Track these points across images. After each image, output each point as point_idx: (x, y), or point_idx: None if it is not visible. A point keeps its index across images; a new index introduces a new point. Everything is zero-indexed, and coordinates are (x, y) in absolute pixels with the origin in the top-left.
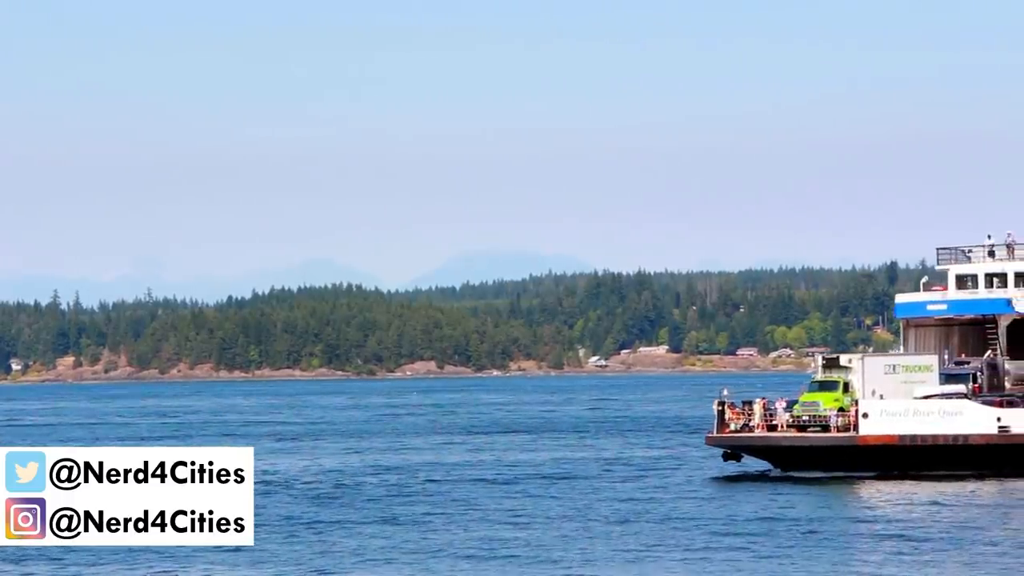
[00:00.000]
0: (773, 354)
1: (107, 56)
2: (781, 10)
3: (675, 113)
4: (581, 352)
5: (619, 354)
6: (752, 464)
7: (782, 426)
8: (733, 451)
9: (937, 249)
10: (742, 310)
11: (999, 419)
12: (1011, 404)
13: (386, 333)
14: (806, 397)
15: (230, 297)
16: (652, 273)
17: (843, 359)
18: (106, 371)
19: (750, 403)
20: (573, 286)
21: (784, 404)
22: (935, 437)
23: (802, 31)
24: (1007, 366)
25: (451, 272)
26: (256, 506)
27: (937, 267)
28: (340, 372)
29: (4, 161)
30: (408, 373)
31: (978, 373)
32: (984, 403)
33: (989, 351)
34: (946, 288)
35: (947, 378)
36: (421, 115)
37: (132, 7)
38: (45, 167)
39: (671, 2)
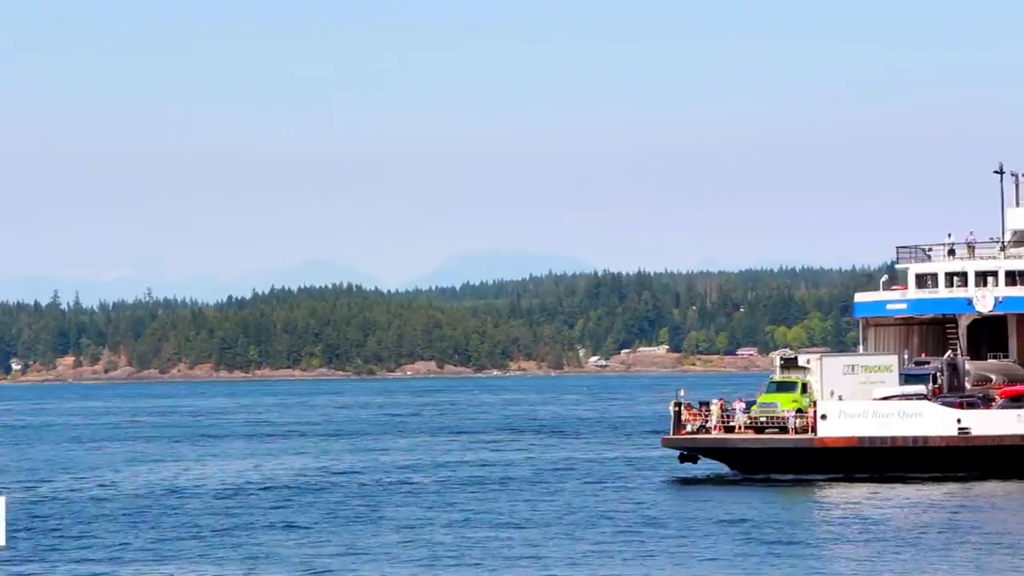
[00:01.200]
0: (773, 354)
1: (107, 57)
2: (781, 10)
3: (675, 113)
4: (581, 352)
5: (619, 354)
6: (710, 466)
7: (739, 427)
8: (689, 453)
9: (897, 248)
10: (742, 310)
11: (959, 421)
12: (971, 405)
13: (386, 333)
14: (764, 398)
15: (230, 297)
16: (652, 273)
17: (801, 359)
18: (106, 371)
19: (707, 404)
20: (573, 286)
21: (742, 405)
22: (894, 439)
23: (802, 30)
24: (967, 366)
25: (451, 272)
26: None
27: (897, 266)
28: (340, 372)
29: (4, 161)
30: (408, 373)
31: (938, 374)
32: (944, 404)
33: (949, 351)
34: (906, 287)
35: (907, 379)
36: (421, 115)
37: (132, 8)
38: (45, 167)
39: (671, 2)
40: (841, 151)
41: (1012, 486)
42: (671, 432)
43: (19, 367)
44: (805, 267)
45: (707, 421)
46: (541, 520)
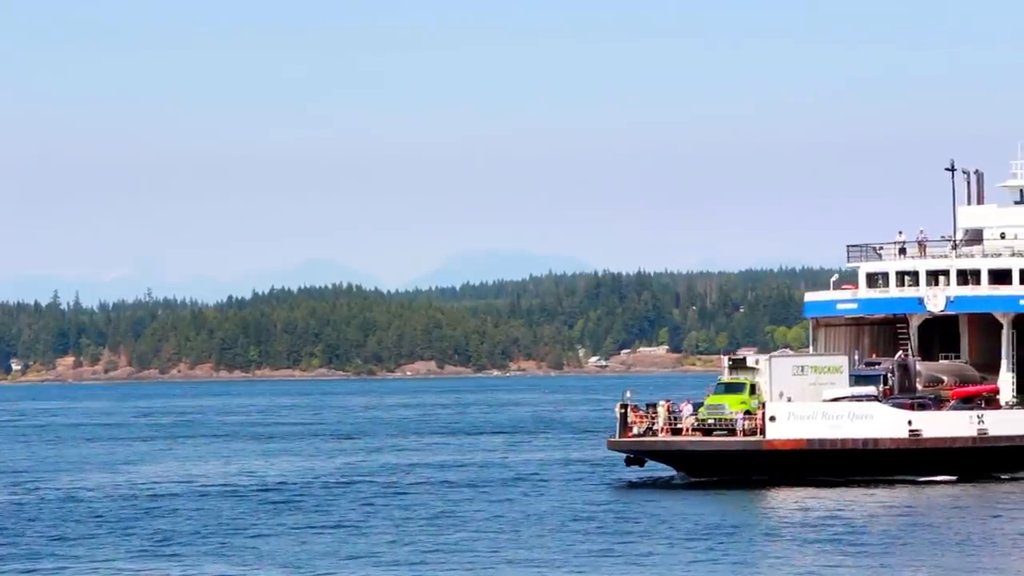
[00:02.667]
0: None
1: (107, 56)
2: (781, 9)
3: (675, 113)
4: (581, 352)
5: (619, 354)
6: (657, 470)
7: (687, 430)
8: (636, 456)
9: (847, 246)
10: (742, 310)
11: (910, 422)
12: (922, 407)
13: (386, 333)
14: (712, 399)
15: (230, 297)
16: (652, 273)
17: (750, 360)
18: (106, 371)
19: (654, 405)
20: (573, 286)
21: (689, 407)
22: (844, 441)
23: (802, 29)
24: (918, 367)
25: (451, 272)
26: None
27: (847, 265)
28: (340, 372)
29: (4, 161)
30: (408, 373)
31: (889, 374)
32: (895, 406)
33: (900, 352)
34: (857, 287)
35: (857, 379)
36: (421, 115)
37: (132, 8)
38: (45, 167)
39: (671, 2)
40: (842, 151)
41: (963, 489)
42: (616, 435)
43: (19, 367)
44: (805, 267)
45: (654, 423)
46: (473, 525)
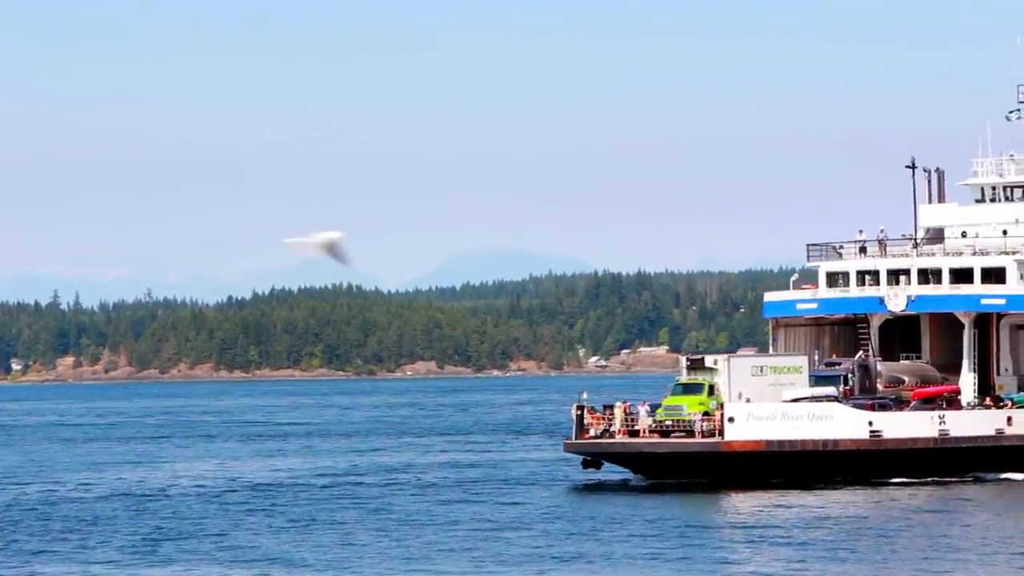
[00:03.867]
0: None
1: (107, 56)
2: (781, 9)
3: (675, 113)
4: (581, 352)
5: (619, 354)
6: (615, 472)
7: (644, 431)
8: (593, 458)
9: (807, 245)
10: (742, 310)
11: (871, 423)
12: (883, 407)
13: (386, 333)
14: (669, 401)
15: (230, 297)
16: (652, 273)
17: (708, 360)
18: (106, 371)
19: (611, 407)
20: (573, 286)
21: (647, 408)
22: (804, 443)
23: (802, 28)
24: (879, 367)
25: (451, 272)
26: None
27: (807, 264)
28: (340, 372)
29: (4, 161)
30: (408, 373)
31: (849, 375)
32: (855, 406)
33: (861, 352)
34: (817, 286)
35: (817, 380)
36: (421, 115)
37: (132, 8)
38: (45, 167)
39: (671, 2)
40: (841, 150)
41: (925, 491)
42: (573, 437)
43: (19, 367)
44: (805, 267)
45: (611, 425)
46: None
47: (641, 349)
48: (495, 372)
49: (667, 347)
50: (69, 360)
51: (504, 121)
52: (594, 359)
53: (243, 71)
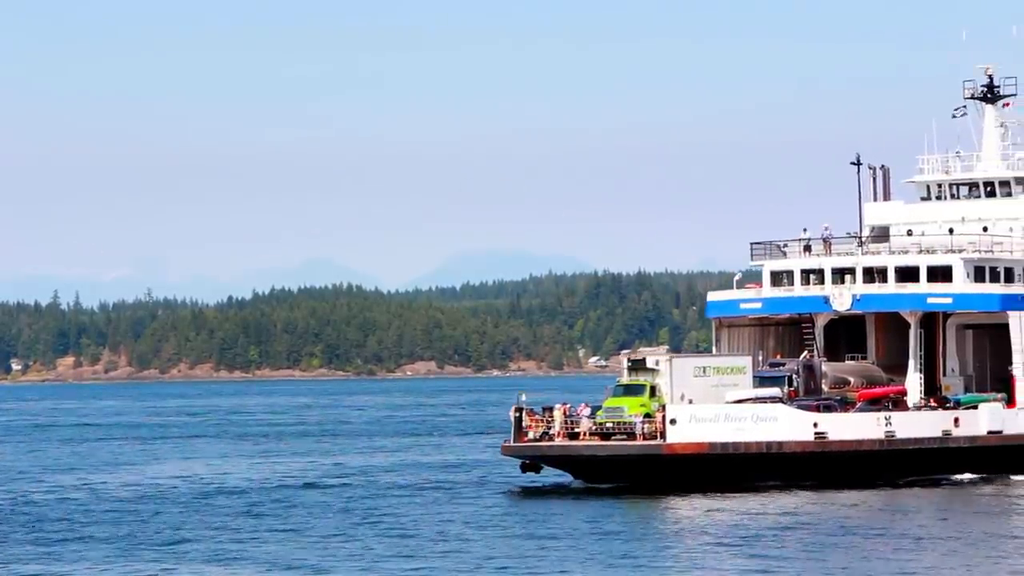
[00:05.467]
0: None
1: (107, 57)
2: (780, 9)
3: (675, 113)
4: (581, 352)
5: (619, 354)
6: (555, 476)
7: (584, 434)
8: (532, 461)
9: (751, 244)
10: None
11: (816, 425)
12: (828, 409)
13: (386, 333)
14: (610, 402)
15: (230, 297)
16: (652, 273)
17: (650, 360)
18: (106, 371)
19: (551, 409)
20: (573, 286)
21: (587, 410)
22: (747, 445)
23: (803, 28)
24: (824, 368)
25: (451, 272)
26: None
27: (751, 263)
28: (340, 372)
29: (4, 161)
30: (408, 373)
31: (794, 375)
32: (800, 408)
33: (806, 352)
34: (761, 285)
35: (761, 381)
36: (421, 115)
37: (132, 8)
38: (45, 167)
39: (671, 2)
40: (840, 149)
41: (869, 494)
42: (512, 439)
43: (19, 367)
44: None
45: (550, 427)
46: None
47: (641, 349)
48: (495, 372)
49: (667, 347)
50: (69, 360)
51: (504, 121)
52: (594, 359)
53: (243, 71)
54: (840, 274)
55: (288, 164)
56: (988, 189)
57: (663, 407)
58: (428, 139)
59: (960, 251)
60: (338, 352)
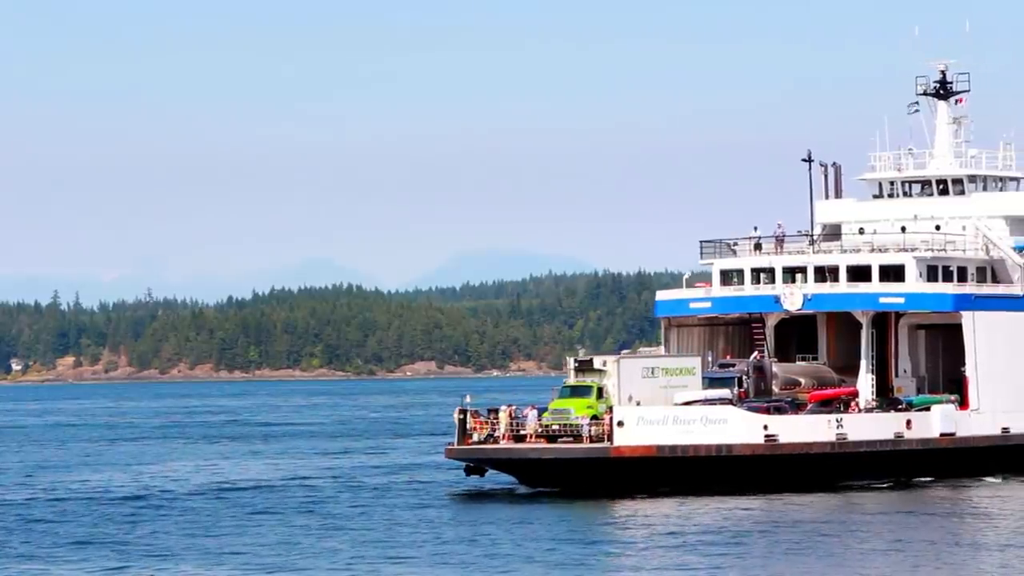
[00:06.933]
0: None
1: (107, 56)
2: (779, 8)
3: (675, 113)
4: (581, 352)
5: (619, 354)
6: (499, 479)
7: (530, 436)
8: (476, 465)
9: (700, 242)
10: None
11: (766, 427)
12: (779, 411)
13: (386, 333)
14: (556, 404)
15: (230, 297)
16: (652, 273)
17: (597, 361)
18: (106, 371)
19: (496, 411)
20: (573, 286)
21: (533, 412)
22: (696, 448)
23: (802, 27)
24: (775, 368)
25: (451, 272)
26: None
27: (701, 262)
28: (340, 372)
29: (4, 161)
30: (408, 373)
31: (744, 376)
32: (750, 410)
33: (756, 352)
34: (711, 284)
35: (710, 382)
36: (421, 115)
37: (132, 8)
38: (45, 167)
39: (672, 2)
40: (840, 149)
41: (820, 498)
42: (456, 442)
43: (19, 367)
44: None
45: (495, 430)
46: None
47: (641, 349)
48: (495, 372)
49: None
50: (69, 360)
51: (505, 121)
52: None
53: (243, 71)
54: (791, 273)
55: (288, 164)
56: (941, 187)
57: (610, 409)
58: (428, 139)
59: (912, 250)
60: (338, 352)
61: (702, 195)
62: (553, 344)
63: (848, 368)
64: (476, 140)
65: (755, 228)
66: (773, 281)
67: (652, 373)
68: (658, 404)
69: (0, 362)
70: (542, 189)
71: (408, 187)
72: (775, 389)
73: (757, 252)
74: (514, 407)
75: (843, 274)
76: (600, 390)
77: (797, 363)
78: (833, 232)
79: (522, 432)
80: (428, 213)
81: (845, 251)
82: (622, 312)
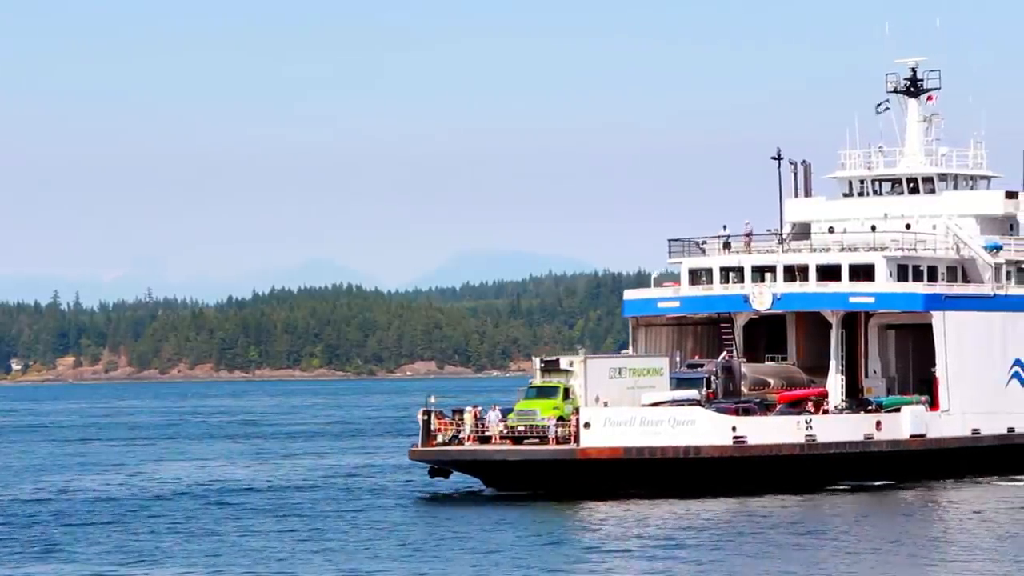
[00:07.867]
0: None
1: (107, 56)
2: (777, 8)
3: (676, 112)
4: (581, 352)
5: (619, 354)
6: (464, 481)
7: (495, 438)
8: (440, 467)
9: (669, 241)
10: None
11: (734, 429)
12: (747, 412)
13: (386, 333)
14: (522, 405)
15: (230, 297)
16: (652, 273)
17: (563, 361)
18: (106, 371)
19: (461, 412)
20: (573, 286)
21: (498, 413)
22: (664, 449)
23: (800, 26)
24: (744, 369)
25: (451, 272)
26: None
27: (669, 261)
28: (340, 372)
29: (4, 161)
30: (408, 374)
31: (712, 377)
32: (718, 411)
33: (724, 352)
34: (679, 284)
35: (679, 382)
36: (421, 115)
37: (132, 8)
38: (45, 167)
39: (672, 2)
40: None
41: (790, 500)
42: (419, 443)
43: (19, 367)
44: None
45: (460, 431)
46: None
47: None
48: (495, 372)
49: None
50: (69, 360)
51: (505, 121)
52: None
53: (243, 71)
54: (760, 272)
55: (288, 164)
56: (911, 185)
57: (577, 410)
58: (429, 139)
59: (883, 249)
60: (338, 352)
61: (702, 195)
62: (553, 344)
63: (817, 368)
64: (476, 140)
65: (724, 227)
66: (742, 280)
67: (619, 374)
68: (625, 405)
69: (0, 362)
70: (542, 189)
71: (408, 187)
72: (744, 390)
73: (726, 251)
74: (479, 408)
75: (812, 273)
76: (567, 391)
77: (766, 363)
78: (803, 231)
79: (487, 433)
80: (428, 213)
81: (815, 250)
82: (622, 312)
